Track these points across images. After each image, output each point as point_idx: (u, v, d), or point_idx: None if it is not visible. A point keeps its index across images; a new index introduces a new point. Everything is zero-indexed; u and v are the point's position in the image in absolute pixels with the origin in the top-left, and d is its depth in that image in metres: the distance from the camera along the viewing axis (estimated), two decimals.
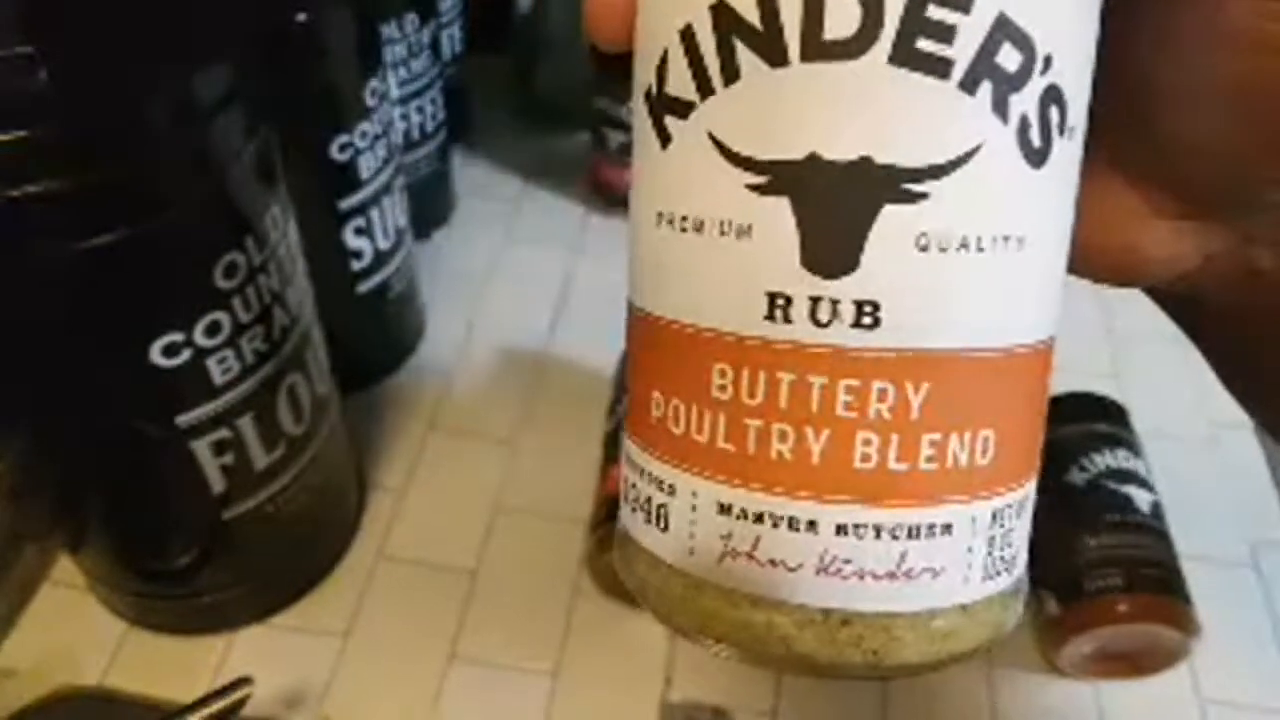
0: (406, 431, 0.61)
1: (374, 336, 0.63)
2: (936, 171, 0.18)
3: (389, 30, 0.61)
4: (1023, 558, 0.22)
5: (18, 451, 0.45)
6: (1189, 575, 0.50)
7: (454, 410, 0.63)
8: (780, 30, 0.18)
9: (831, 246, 0.19)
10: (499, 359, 0.66)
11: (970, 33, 0.18)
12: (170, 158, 0.37)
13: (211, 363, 0.41)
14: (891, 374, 0.19)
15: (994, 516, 0.21)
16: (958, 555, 0.20)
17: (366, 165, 0.54)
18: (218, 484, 0.44)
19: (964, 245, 0.19)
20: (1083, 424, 0.55)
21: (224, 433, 0.43)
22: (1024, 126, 0.19)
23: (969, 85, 0.18)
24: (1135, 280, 0.25)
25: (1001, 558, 0.21)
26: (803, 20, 0.18)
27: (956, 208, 0.18)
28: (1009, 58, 0.18)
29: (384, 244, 0.58)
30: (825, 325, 0.19)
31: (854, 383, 0.19)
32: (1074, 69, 0.19)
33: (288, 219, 0.44)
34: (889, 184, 0.18)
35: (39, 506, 0.50)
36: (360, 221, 0.56)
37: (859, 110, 0.18)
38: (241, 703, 0.43)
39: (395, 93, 0.64)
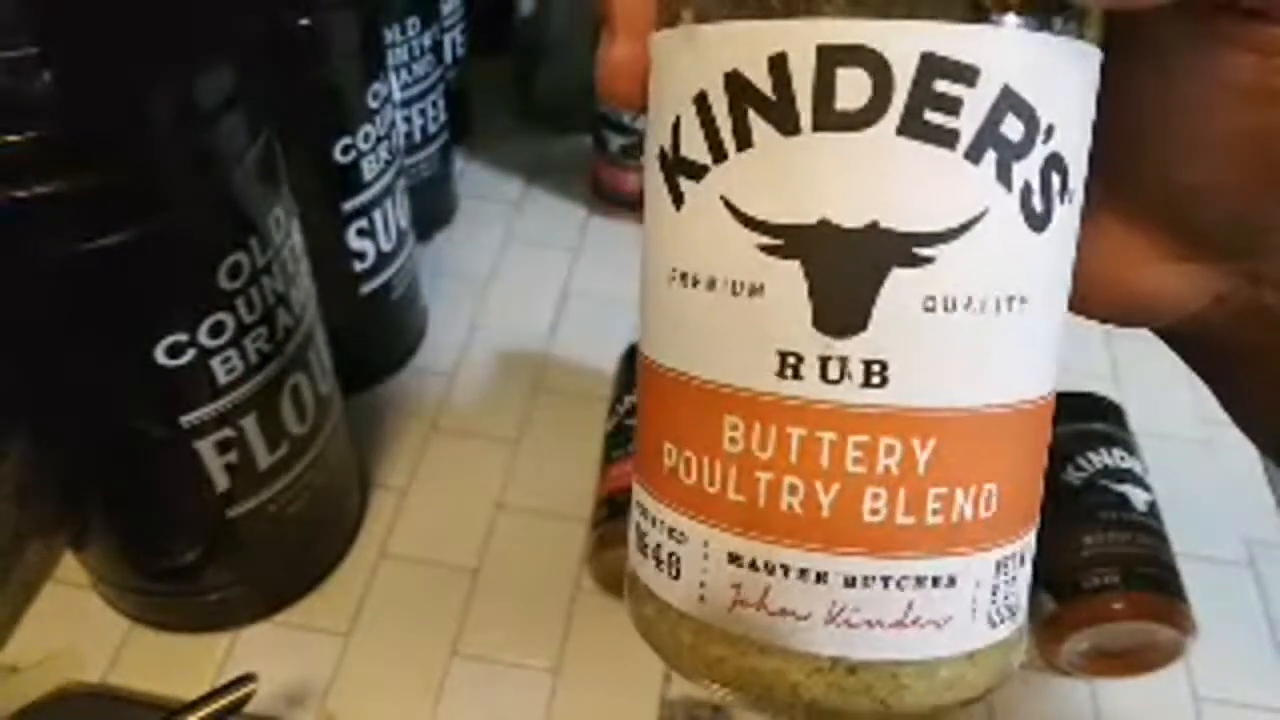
0: (408, 431, 0.61)
1: (376, 337, 0.64)
2: (943, 237, 0.19)
3: (391, 33, 0.62)
4: (1024, 604, 0.23)
5: (23, 450, 0.46)
6: (1185, 574, 0.50)
7: (456, 410, 0.63)
8: (792, 100, 0.19)
9: (841, 307, 0.19)
10: (500, 359, 0.66)
11: (976, 105, 0.18)
12: (174, 159, 0.37)
13: (215, 363, 0.41)
14: (899, 430, 0.19)
15: (998, 567, 0.21)
16: (963, 605, 0.21)
17: (369, 167, 0.54)
18: (221, 483, 0.45)
19: (969, 306, 0.19)
20: (1080, 423, 0.55)
21: (228, 432, 0.43)
22: (1027, 193, 0.19)
23: (974, 155, 0.19)
24: (1142, 321, 0.25)
25: (1006, 605, 0.22)
26: (814, 92, 0.19)
27: (962, 271, 0.19)
28: (1013, 128, 0.19)
29: (386, 245, 0.58)
30: (835, 383, 0.19)
31: (863, 439, 0.19)
32: (1075, 137, 0.20)
33: (291, 220, 0.44)
34: (897, 249, 0.19)
35: (44, 505, 0.50)
36: (363, 223, 0.56)
37: (868, 178, 0.19)
38: (245, 700, 0.43)
39: (398, 95, 0.64)
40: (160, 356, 0.39)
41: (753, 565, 0.21)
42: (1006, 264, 0.20)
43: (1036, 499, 0.23)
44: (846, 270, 0.19)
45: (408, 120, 0.66)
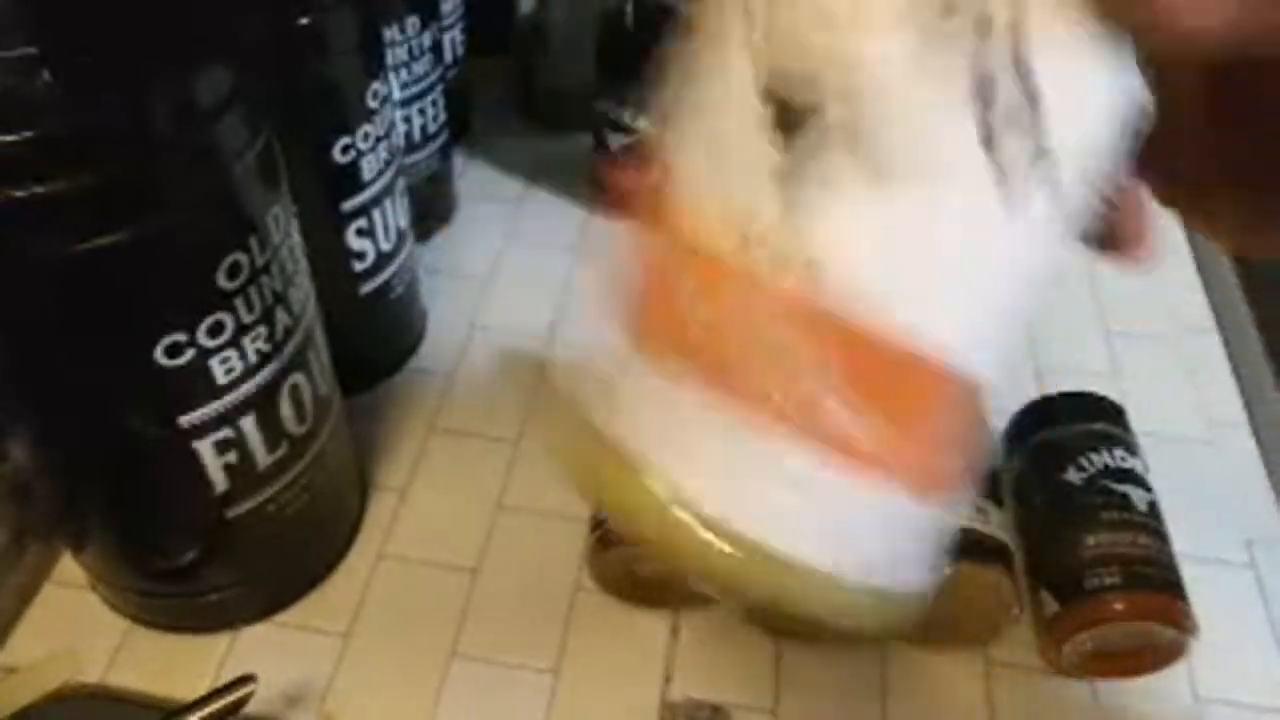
0: (408, 431, 0.61)
1: (376, 337, 0.64)
2: None
3: (391, 33, 0.62)
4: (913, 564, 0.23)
5: (22, 450, 0.46)
6: (1186, 574, 0.50)
7: (455, 410, 0.63)
8: None
9: None
10: (500, 359, 0.66)
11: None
12: (173, 158, 0.37)
13: (214, 363, 0.41)
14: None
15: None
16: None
17: (369, 167, 0.54)
18: (220, 483, 0.45)
19: None
20: (1080, 423, 0.55)
21: (227, 432, 0.43)
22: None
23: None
24: None
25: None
26: None
27: None
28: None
29: (386, 245, 0.58)
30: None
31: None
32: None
33: (290, 220, 0.44)
34: None
35: (42, 506, 0.50)
36: (362, 223, 0.56)
37: None
38: (244, 701, 0.43)
39: (397, 95, 0.64)
40: (159, 356, 0.39)
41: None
42: None
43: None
44: None
45: (407, 120, 0.66)
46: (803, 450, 0.20)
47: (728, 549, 0.20)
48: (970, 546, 0.49)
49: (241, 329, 0.41)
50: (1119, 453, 0.53)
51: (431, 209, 0.73)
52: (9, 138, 0.33)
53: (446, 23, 0.72)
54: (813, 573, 0.21)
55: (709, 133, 0.21)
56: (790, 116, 0.19)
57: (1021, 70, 0.18)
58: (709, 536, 0.20)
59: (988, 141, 0.18)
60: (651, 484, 0.20)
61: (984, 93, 0.18)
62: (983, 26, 0.18)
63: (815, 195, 0.19)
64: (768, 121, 0.19)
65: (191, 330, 0.39)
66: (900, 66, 0.18)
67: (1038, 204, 0.19)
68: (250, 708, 0.44)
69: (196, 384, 0.41)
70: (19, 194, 0.33)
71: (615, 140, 0.72)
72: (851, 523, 0.21)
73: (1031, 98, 0.18)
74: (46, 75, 0.35)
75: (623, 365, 0.22)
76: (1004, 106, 0.18)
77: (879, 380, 0.20)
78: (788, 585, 0.21)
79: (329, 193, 0.54)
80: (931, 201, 0.19)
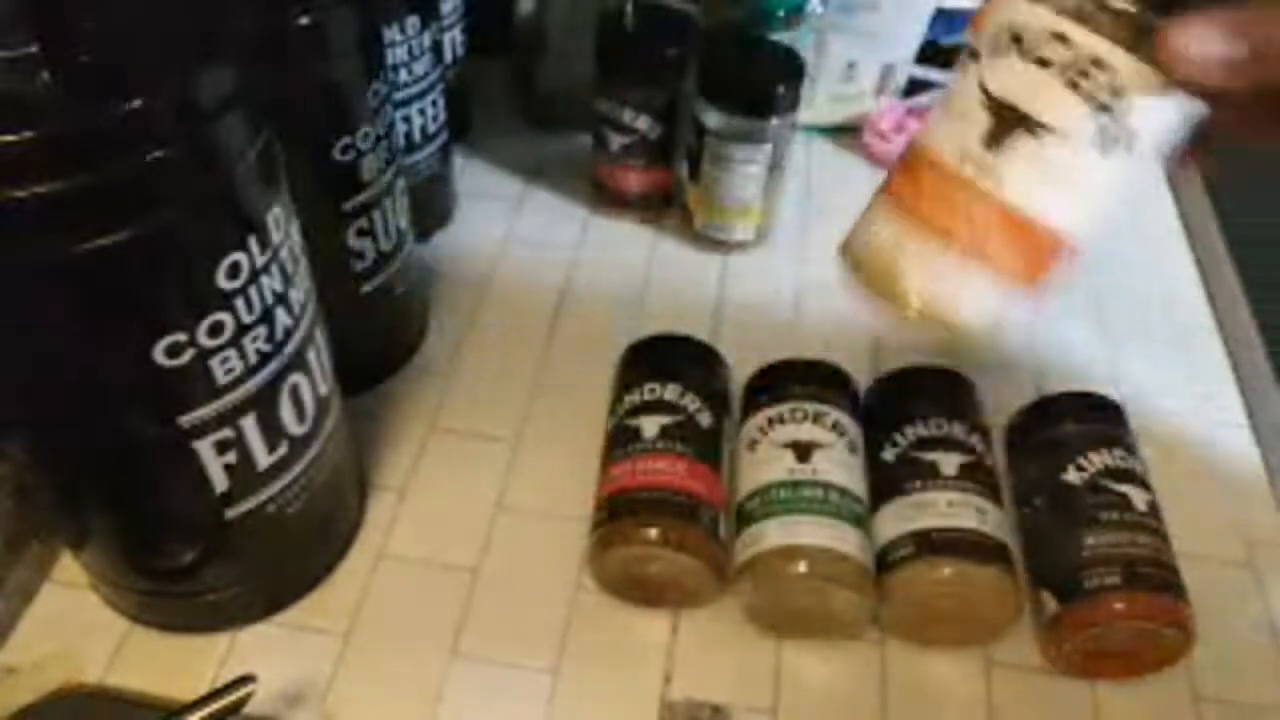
0: (408, 431, 0.62)
1: (376, 337, 0.64)
2: None
3: (391, 33, 0.62)
4: None
5: (22, 450, 0.46)
6: (1186, 574, 0.51)
7: (455, 410, 0.63)
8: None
9: None
10: (500, 359, 0.66)
11: None
12: (173, 159, 0.37)
13: (214, 363, 0.41)
14: None
15: None
16: None
17: (369, 167, 0.54)
18: (220, 483, 0.45)
19: None
20: (1081, 424, 0.55)
21: (227, 432, 0.43)
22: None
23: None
24: None
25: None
26: None
27: None
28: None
29: (386, 245, 0.58)
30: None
31: None
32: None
33: (290, 220, 0.44)
34: None
35: (42, 505, 0.50)
36: (362, 222, 0.56)
37: None
38: (244, 700, 0.43)
39: (397, 95, 0.64)
40: (159, 356, 0.39)
41: None
42: None
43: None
44: None
45: (407, 120, 0.66)
46: (973, 264, 0.37)
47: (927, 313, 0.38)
48: (970, 547, 0.49)
49: (241, 329, 0.41)
50: (1119, 453, 0.53)
51: (431, 209, 0.73)
52: (9, 138, 0.33)
53: (446, 23, 0.72)
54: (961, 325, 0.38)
55: (956, 106, 0.37)
56: (994, 105, 0.36)
57: (1116, 90, 0.34)
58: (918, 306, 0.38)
59: (1099, 128, 0.34)
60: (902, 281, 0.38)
61: (1098, 104, 0.34)
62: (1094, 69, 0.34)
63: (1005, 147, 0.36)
64: (984, 104, 0.36)
65: (191, 330, 0.39)
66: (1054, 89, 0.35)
67: (1123, 156, 0.35)
68: (250, 707, 0.44)
69: (196, 384, 0.41)
70: (20, 194, 0.33)
71: (615, 140, 0.72)
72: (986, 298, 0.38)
73: (1122, 105, 0.34)
74: (47, 75, 0.35)
75: (888, 224, 0.39)
76: (1106, 108, 0.34)
77: (1021, 235, 0.36)
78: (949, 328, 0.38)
79: (329, 192, 0.54)
80: (1064, 150, 0.35)
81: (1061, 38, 0.34)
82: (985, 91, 0.36)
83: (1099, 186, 0.36)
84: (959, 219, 0.36)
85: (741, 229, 0.73)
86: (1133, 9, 0.33)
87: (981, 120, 0.36)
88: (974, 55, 0.37)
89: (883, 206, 0.39)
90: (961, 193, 0.36)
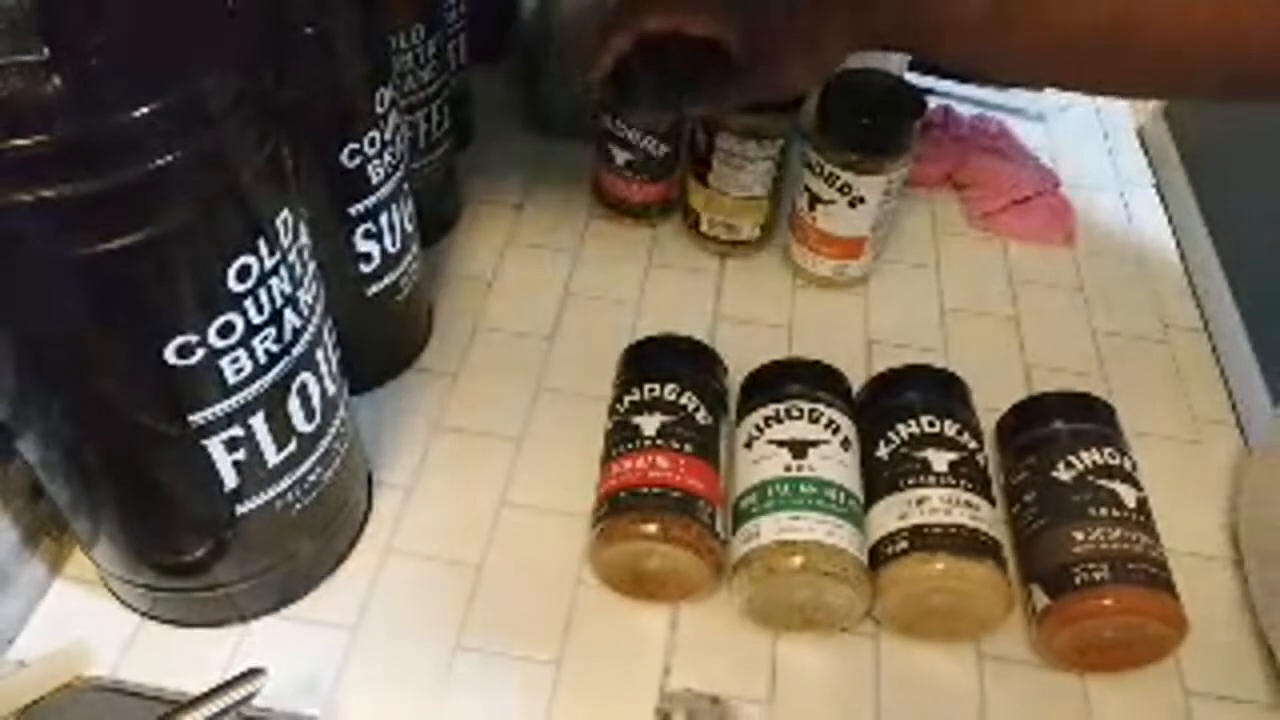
0: (414, 429, 0.62)
1: (383, 337, 0.64)
2: None
3: (397, 40, 0.63)
4: None
5: (35, 448, 0.46)
6: (1174, 570, 0.51)
7: (460, 409, 0.64)
8: None
9: None
10: (503, 360, 0.67)
11: None
12: (183, 163, 0.37)
13: (225, 363, 0.41)
14: None
15: None
16: None
17: (376, 172, 0.55)
18: (230, 480, 0.45)
19: None
20: (1071, 422, 0.56)
21: (237, 430, 0.44)
22: None
23: None
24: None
25: None
26: None
27: None
28: None
29: (392, 248, 0.59)
30: None
31: None
32: None
33: (299, 223, 0.44)
34: None
35: (55, 502, 0.51)
36: (370, 226, 0.57)
37: None
38: (253, 693, 0.44)
39: (403, 101, 0.65)
40: (170, 356, 0.40)
41: None
42: None
43: None
44: None
45: (412, 126, 0.67)
46: None
47: None
48: (962, 542, 0.50)
49: (251, 330, 0.42)
50: (1109, 451, 0.54)
51: (436, 212, 0.74)
52: (22, 141, 0.33)
53: (451, 31, 0.73)
54: None
55: None
56: None
57: None
58: None
59: None
60: None
61: None
62: None
63: None
64: None
65: (202, 331, 0.40)
66: None
67: None
68: (259, 700, 0.44)
69: (207, 383, 0.42)
70: (32, 197, 0.34)
71: (620, 155, 0.73)
72: None
73: None
74: (58, 81, 0.35)
75: None
76: None
77: None
78: None
79: (337, 196, 0.54)
80: None
81: None
82: None
83: None
84: None
85: (749, 227, 0.74)
86: None
87: None
88: None
89: None
90: None
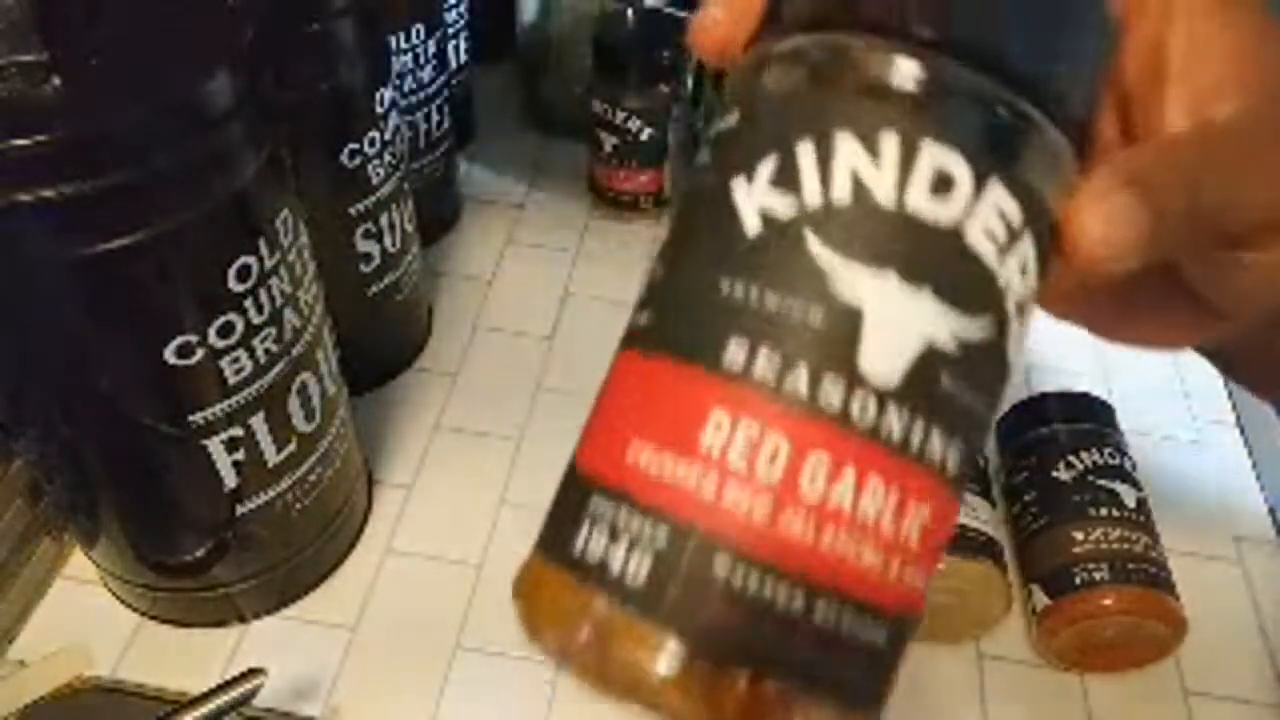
0: (413, 429, 0.62)
1: (383, 337, 0.64)
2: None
3: (396, 40, 0.63)
4: None
5: (35, 447, 0.46)
6: (1174, 570, 0.51)
7: (460, 409, 0.64)
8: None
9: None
10: (503, 359, 0.67)
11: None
12: (183, 163, 0.37)
13: (225, 363, 0.42)
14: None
15: None
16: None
17: (375, 171, 0.55)
18: (230, 480, 0.45)
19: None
20: (1070, 422, 0.56)
21: (236, 430, 0.44)
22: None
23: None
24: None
25: None
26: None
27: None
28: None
29: (392, 247, 0.59)
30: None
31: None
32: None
33: (299, 223, 0.44)
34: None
35: (54, 501, 0.51)
36: (369, 225, 0.57)
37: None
38: (253, 693, 0.44)
39: (403, 101, 0.65)
40: (170, 357, 0.40)
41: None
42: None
43: None
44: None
45: (412, 125, 0.67)
46: None
47: None
48: (962, 542, 0.50)
49: (251, 329, 0.42)
50: (1109, 450, 0.54)
51: (436, 212, 0.74)
52: (22, 142, 0.33)
53: (450, 31, 0.73)
54: None
55: None
56: None
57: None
58: None
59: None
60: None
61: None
62: None
63: None
64: None
65: (202, 331, 0.40)
66: None
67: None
68: (258, 700, 0.44)
69: (207, 383, 0.42)
70: (32, 197, 0.34)
71: (608, 141, 0.73)
72: None
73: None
74: (57, 80, 0.35)
75: None
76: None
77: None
78: None
79: (337, 196, 0.55)
80: None
81: None
82: None
83: None
84: None
85: None
86: None
87: None
88: None
89: None
90: None
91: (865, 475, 0.19)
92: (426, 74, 0.66)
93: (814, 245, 0.19)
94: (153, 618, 0.53)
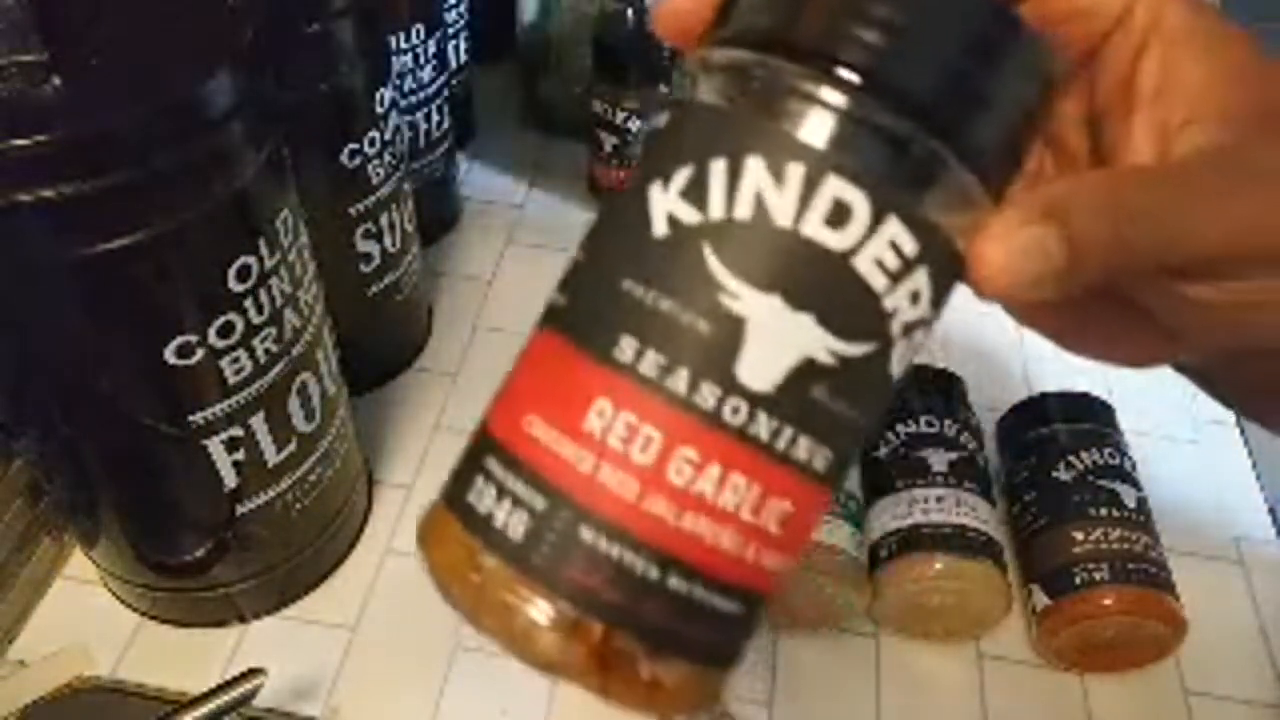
0: (414, 429, 0.62)
1: (383, 337, 0.64)
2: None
3: (396, 41, 0.63)
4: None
5: (35, 447, 0.46)
6: (1174, 569, 0.51)
7: (460, 409, 0.64)
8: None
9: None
10: (503, 359, 0.66)
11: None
12: (183, 163, 0.37)
13: (225, 363, 0.42)
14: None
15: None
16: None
17: (375, 171, 0.55)
18: (230, 480, 0.45)
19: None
20: (1071, 422, 0.56)
21: (236, 430, 0.44)
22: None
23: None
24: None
25: None
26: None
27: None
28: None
29: (392, 247, 0.59)
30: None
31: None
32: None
33: (299, 223, 0.44)
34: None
35: (54, 501, 0.51)
36: (370, 226, 0.57)
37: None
38: (253, 693, 0.44)
39: (403, 101, 0.65)
40: (170, 356, 0.40)
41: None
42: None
43: None
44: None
45: (413, 125, 0.67)
46: None
47: None
48: (961, 542, 0.50)
49: (251, 330, 0.42)
50: (1109, 450, 0.54)
51: (436, 212, 0.74)
52: (22, 142, 0.33)
53: (450, 31, 0.73)
54: None
55: None
56: None
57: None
58: None
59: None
60: None
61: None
62: None
63: None
64: None
65: (202, 331, 0.40)
66: None
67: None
68: (258, 700, 0.44)
69: (207, 383, 0.42)
70: (32, 197, 0.34)
71: (607, 141, 0.73)
72: None
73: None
74: (57, 80, 0.35)
75: None
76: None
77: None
78: None
79: (337, 196, 0.55)
80: None
81: None
82: None
83: None
84: None
85: None
86: None
87: None
88: None
89: None
90: None
91: (729, 471, 0.20)
92: (426, 74, 0.66)
93: (710, 259, 0.20)
94: (153, 618, 0.53)
